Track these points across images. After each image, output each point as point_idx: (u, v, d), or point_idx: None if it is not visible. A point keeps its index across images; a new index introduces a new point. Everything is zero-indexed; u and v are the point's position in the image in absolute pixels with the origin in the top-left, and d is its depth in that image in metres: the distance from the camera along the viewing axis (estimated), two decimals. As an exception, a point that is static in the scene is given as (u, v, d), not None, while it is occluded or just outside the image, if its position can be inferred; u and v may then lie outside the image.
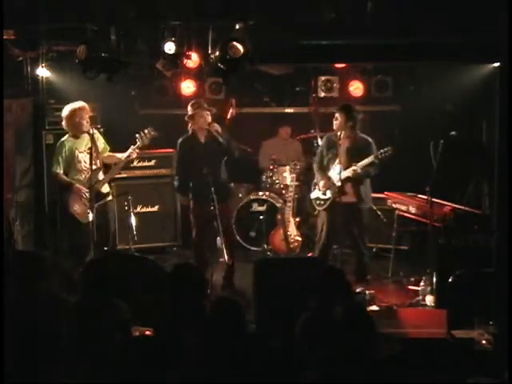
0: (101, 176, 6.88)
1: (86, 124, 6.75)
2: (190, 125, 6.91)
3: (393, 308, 6.28)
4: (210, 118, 6.82)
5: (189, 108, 6.87)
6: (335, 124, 6.73)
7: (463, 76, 7.31)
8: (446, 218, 6.68)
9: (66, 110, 6.80)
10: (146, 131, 6.94)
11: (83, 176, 6.81)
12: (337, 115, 6.72)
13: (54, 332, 4.17)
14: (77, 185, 6.76)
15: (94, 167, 6.67)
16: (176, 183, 7.26)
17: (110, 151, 7.07)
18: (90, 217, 6.58)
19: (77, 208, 6.77)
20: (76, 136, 6.82)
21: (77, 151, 6.83)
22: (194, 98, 8.43)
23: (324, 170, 6.84)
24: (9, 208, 7.28)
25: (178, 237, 8.48)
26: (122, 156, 6.95)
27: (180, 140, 7.00)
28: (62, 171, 6.83)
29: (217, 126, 6.78)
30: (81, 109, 6.76)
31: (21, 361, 4.12)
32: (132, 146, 6.92)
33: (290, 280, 5.56)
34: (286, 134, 8.94)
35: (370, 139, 6.79)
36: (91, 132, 6.69)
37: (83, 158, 6.81)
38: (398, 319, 5.86)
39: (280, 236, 7.94)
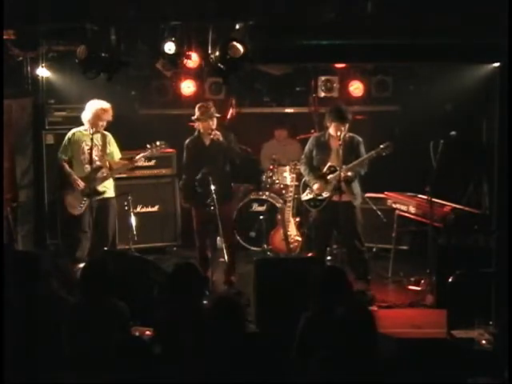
0: (100, 175, 6.93)
1: (103, 124, 6.91)
2: (196, 125, 6.93)
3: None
4: (214, 124, 6.81)
5: (196, 110, 6.86)
6: (332, 126, 6.66)
7: (463, 76, 7.29)
8: (445, 218, 6.69)
9: (94, 105, 6.87)
10: (158, 143, 7.08)
11: (85, 170, 6.91)
12: (331, 119, 6.65)
13: (53, 332, 4.18)
14: (74, 176, 6.90)
15: (98, 164, 6.86)
16: (181, 182, 7.23)
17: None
18: (81, 210, 6.84)
19: (68, 198, 6.93)
20: (89, 129, 6.85)
21: (84, 143, 6.95)
22: (194, 98, 8.50)
23: (316, 171, 6.81)
24: (9, 208, 7.28)
25: (177, 237, 8.48)
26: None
27: (187, 141, 7.02)
28: (66, 158, 6.99)
29: (218, 135, 6.74)
30: (106, 110, 6.89)
31: (21, 361, 4.12)
32: (141, 154, 7.06)
33: (289, 280, 5.57)
34: (280, 137, 8.97)
35: (359, 137, 6.76)
36: (105, 133, 6.92)
37: (88, 151, 6.85)
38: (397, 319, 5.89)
39: (280, 236, 7.93)
